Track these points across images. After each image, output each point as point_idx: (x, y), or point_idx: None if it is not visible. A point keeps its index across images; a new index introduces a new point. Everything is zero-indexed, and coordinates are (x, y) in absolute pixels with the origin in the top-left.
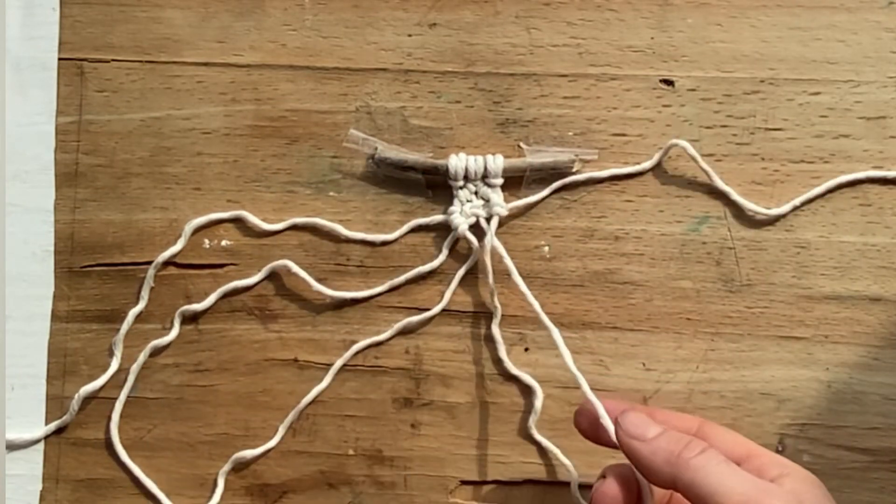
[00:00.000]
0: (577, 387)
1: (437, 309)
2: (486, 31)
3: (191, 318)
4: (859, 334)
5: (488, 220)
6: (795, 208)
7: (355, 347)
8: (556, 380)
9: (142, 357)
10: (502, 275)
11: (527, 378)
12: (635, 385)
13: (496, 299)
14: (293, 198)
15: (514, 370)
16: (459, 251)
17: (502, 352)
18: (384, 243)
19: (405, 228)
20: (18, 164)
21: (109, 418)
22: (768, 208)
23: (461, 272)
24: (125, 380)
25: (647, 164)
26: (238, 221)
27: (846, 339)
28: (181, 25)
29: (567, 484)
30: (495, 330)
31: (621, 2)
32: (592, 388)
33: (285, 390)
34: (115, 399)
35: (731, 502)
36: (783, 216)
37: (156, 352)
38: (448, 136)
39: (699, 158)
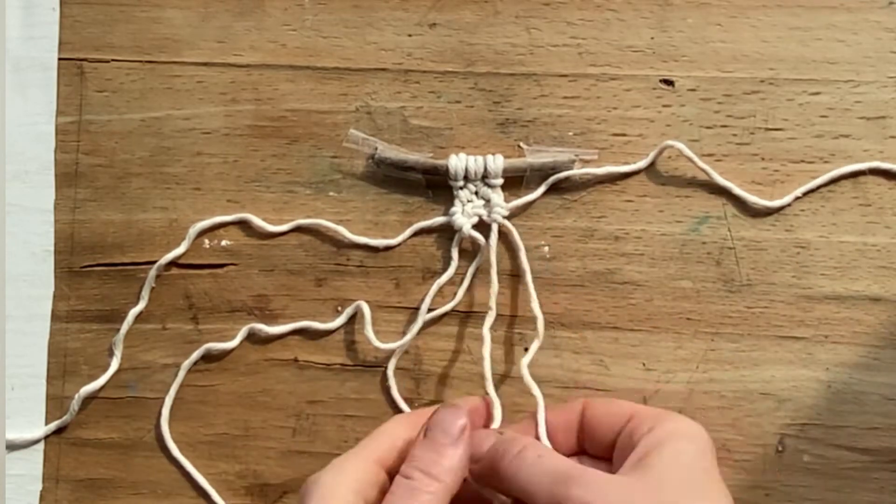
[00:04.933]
0: (578, 387)
1: (448, 306)
2: (486, 31)
3: (191, 318)
4: (859, 334)
5: (490, 224)
6: (797, 199)
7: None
8: (557, 380)
9: (195, 355)
10: (502, 275)
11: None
12: (635, 385)
13: (493, 301)
14: (293, 198)
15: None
16: (462, 248)
17: (486, 350)
18: (387, 248)
19: (408, 233)
20: (18, 164)
21: (158, 421)
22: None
23: (472, 271)
24: (174, 377)
25: (641, 164)
26: (240, 223)
27: (846, 339)
28: (181, 25)
29: None
30: (486, 332)
31: (621, 2)
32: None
33: (285, 390)
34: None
35: (539, 495)
36: (786, 206)
37: (158, 352)
38: (448, 136)
39: (696, 158)
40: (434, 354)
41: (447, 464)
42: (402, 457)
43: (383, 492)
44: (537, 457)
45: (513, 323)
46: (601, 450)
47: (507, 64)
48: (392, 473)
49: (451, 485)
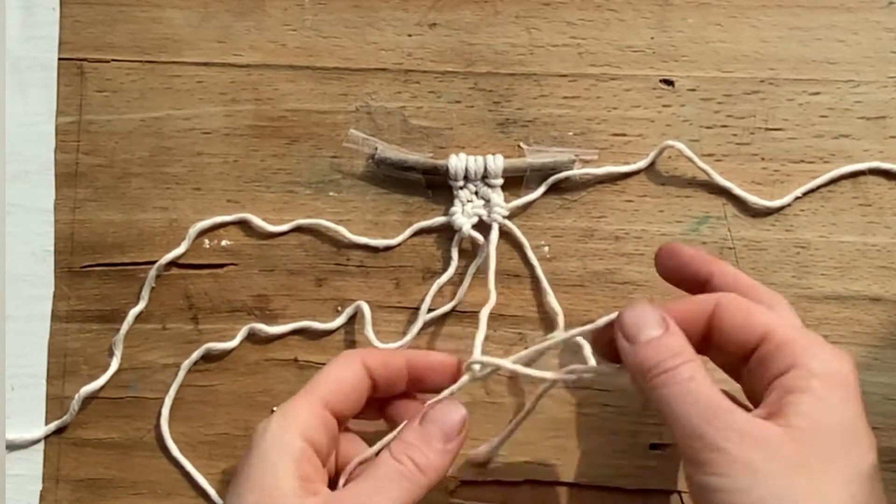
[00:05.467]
0: (578, 387)
1: (448, 306)
2: (486, 31)
3: (191, 318)
4: (859, 334)
5: (490, 225)
6: (797, 199)
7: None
8: None
9: (195, 355)
10: (503, 275)
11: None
12: None
13: (492, 288)
14: (293, 198)
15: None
16: (462, 248)
17: (479, 338)
18: (387, 248)
19: (408, 233)
20: (18, 164)
21: (158, 421)
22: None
23: (472, 270)
24: (174, 377)
25: (641, 164)
26: (240, 223)
27: (846, 339)
28: (181, 25)
29: (566, 484)
30: (483, 317)
31: (621, 2)
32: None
33: (285, 390)
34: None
35: (683, 433)
36: (786, 206)
37: (158, 352)
38: (448, 136)
39: (696, 158)
40: None
41: (437, 463)
42: (348, 399)
43: (331, 435)
44: (693, 381)
45: (513, 323)
46: (727, 360)
47: (507, 64)
48: (337, 416)
49: (434, 481)
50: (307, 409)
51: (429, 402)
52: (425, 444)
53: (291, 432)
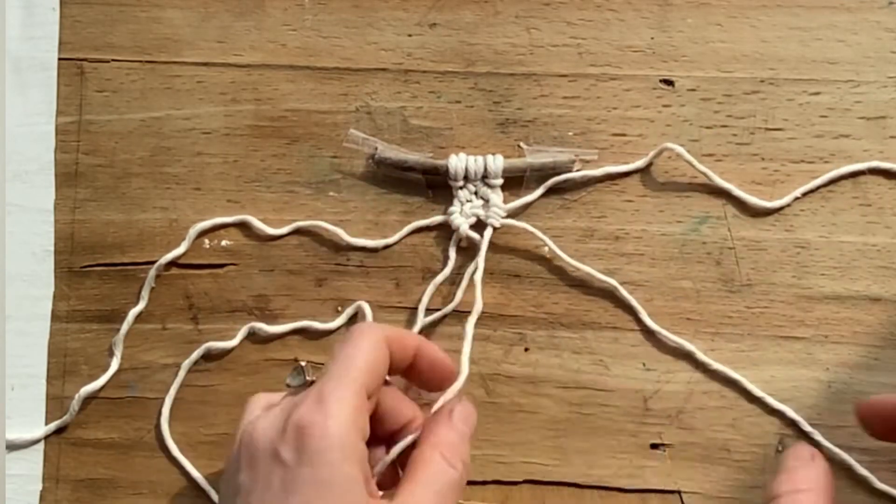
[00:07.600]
0: (578, 387)
1: (449, 308)
2: (486, 31)
3: (191, 318)
4: (859, 334)
5: (485, 225)
6: (797, 199)
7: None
8: (556, 380)
9: (195, 354)
10: (503, 275)
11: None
12: (635, 385)
13: (479, 299)
14: (293, 198)
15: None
16: (462, 247)
17: (466, 347)
18: (385, 247)
19: (405, 231)
20: (18, 164)
21: (158, 421)
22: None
23: (470, 271)
24: (174, 377)
25: (639, 164)
26: (240, 224)
27: (846, 339)
28: (181, 25)
29: (566, 484)
30: (469, 326)
31: (621, 2)
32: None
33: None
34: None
35: None
36: (786, 206)
37: (158, 352)
38: (448, 136)
39: (694, 161)
40: None
41: (467, 458)
42: (378, 381)
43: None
44: None
45: (513, 323)
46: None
47: (507, 64)
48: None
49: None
50: (357, 401)
51: (443, 398)
52: (464, 444)
53: (354, 434)
